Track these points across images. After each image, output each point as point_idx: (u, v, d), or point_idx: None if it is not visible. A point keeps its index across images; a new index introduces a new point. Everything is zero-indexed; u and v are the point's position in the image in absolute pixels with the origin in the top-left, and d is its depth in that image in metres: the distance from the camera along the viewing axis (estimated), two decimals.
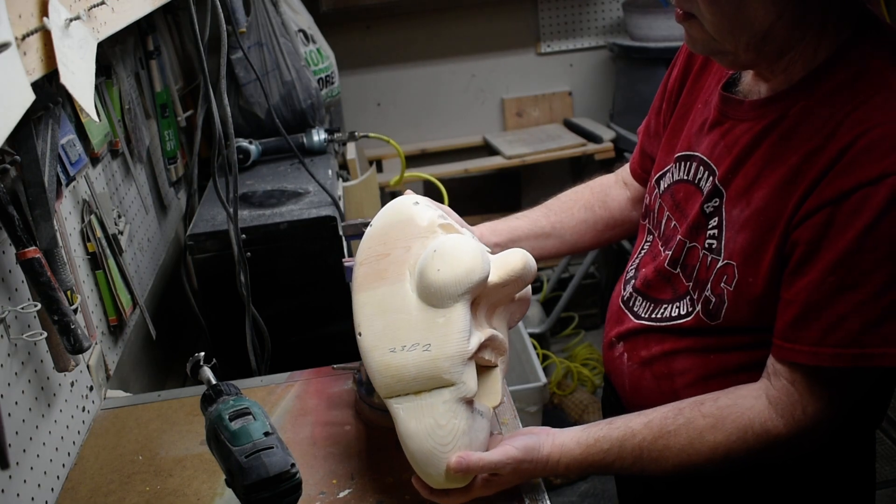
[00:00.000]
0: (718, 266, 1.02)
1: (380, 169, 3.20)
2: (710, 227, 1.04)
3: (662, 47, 2.89)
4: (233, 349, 1.58)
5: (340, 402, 1.29)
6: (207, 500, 1.10)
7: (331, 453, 1.17)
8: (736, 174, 1.01)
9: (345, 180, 2.12)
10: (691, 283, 1.08)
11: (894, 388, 1.11)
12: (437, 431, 0.97)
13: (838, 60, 0.93)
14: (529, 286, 1.11)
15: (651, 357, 1.14)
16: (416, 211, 1.08)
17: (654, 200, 1.19)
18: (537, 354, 2.56)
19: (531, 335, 2.73)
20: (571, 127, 3.35)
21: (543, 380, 2.42)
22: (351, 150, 2.49)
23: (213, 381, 1.05)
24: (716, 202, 1.03)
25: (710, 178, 1.05)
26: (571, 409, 2.88)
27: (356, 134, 2.14)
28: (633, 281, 1.21)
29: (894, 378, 1.08)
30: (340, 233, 1.60)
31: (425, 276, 0.99)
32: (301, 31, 2.26)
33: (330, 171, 1.90)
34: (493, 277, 1.01)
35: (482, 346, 1.02)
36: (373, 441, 1.18)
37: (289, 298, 1.65)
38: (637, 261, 1.23)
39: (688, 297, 1.09)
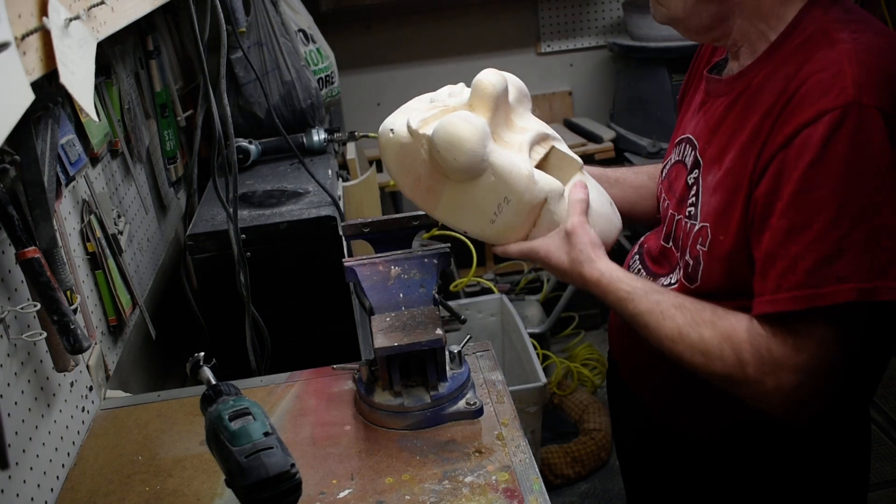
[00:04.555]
0: (696, 230, 1.07)
1: (380, 169, 3.20)
2: (690, 196, 1.10)
3: (662, 47, 2.89)
4: (233, 349, 1.58)
5: (340, 402, 1.29)
6: (207, 500, 1.10)
7: (331, 453, 1.16)
8: (710, 144, 1.08)
9: (345, 180, 2.11)
10: (679, 252, 1.13)
11: (886, 362, 1.13)
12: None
13: (793, 29, 1.00)
14: (519, 90, 1.23)
15: None
16: (395, 139, 1.17)
17: (659, 187, 1.26)
18: (537, 354, 2.56)
19: (531, 335, 2.72)
20: (571, 127, 3.35)
21: (543, 380, 2.42)
22: (351, 150, 2.49)
23: (213, 381, 1.05)
24: (696, 173, 1.10)
25: (693, 153, 1.12)
26: (571, 409, 2.87)
27: (356, 134, 2.14)
28: (638, 256, 1.28)
29: (886, 350, 1.09)
30: (340, 233, 1.60)
31: (447, 167, 1.11)
32: (301, 30, 2.26)
33: (330, 171, 1.90)
34: (487, 112, 1.14)
35: (531, 150, 1.17)
36: (373, 441, 1.18)
37: (289, 298, 1.64)
38: (641, 238, 1.31)
39: (678, 267, 1.13)
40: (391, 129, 1.17)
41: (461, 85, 1.23)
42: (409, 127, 1.15)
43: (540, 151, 1.21)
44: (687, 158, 1.14)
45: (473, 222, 1.18)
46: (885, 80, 0.90)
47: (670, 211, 1.17)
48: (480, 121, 1.11)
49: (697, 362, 1.02)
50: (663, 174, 1.24)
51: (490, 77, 1.14)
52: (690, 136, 1.15)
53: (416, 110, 1.18)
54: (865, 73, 0.90)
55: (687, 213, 1.10)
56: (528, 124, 1.21)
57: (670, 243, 1.17)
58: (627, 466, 1.47)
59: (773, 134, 0.95)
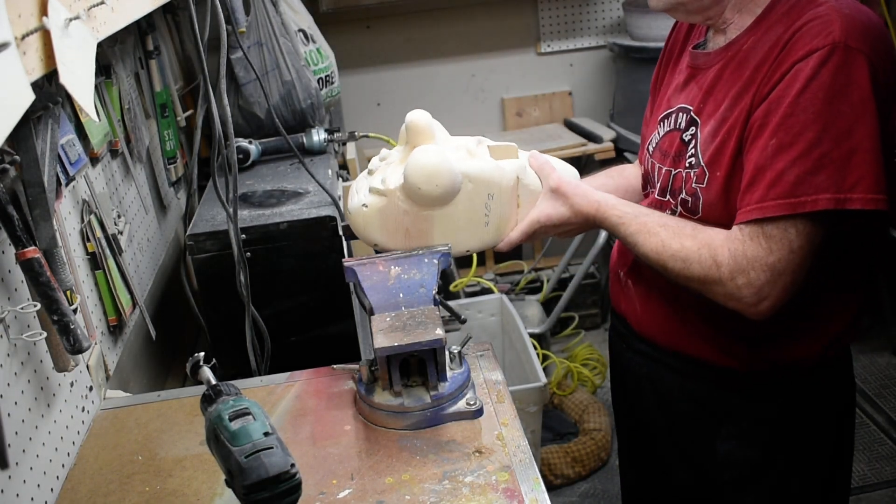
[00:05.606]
0: (694, 173, 1.20)
1: None
2: (689, 149, 1.21)
3: (662, 47, 2.89)
4: (233, 349, 1.58)
5: (340, 402, 1.29)
6: (207, 500, 1.10)
7: (331, 453, 1.17)
8: (706, 103, 1.20)
9: (345, 180, 2.11)
10: (673, 198, 1.25)
11: (864, 307, 1.23)
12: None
13: (777, 2, 1.14)
14: (434, 121, 1.33)
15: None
16: (372, 210, 1.27)
17: (647, 163, 1.35)
18: (537, 354, 2.56)
19: (531, 335, 2.72)
20: (571, 127, 3.35)
21: (543, 380, 2.42)
22: (351, 150, 2.49)
23: (213, 381, 1.05)
24: (693, 130, 1.22)
25: (686, 115, 1.24)
26: (571, 409, 2.87)
27: (356, 134, 2.14)
28: None
29: (863, 287, 1.23)
30: (340, 233, 1.60)
31: (432, 198, 1.23)
32: (301, 30, 2.26)
33: (330, 171, 1.90)
34: (430, 140, 1.26)
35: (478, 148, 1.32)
36: (373, 441, 1.18)
37: (289, 298, 1.65)
38: None
39: (675, 205, 1.24)
40: (363, 206, 1.26)
41: (383, 150, 1.36)
42: (376, 190, 1.25)
43: (482, 151, 1.33)
44: (681, 124, 1.25)
45: (471, 234, 1.29)
46: (865, 31, 1.06)
47: (665, 169, 1.27)
48: (435, 146, 1.25)
49: (678, 268, 1.15)
50: (651, 151, 1.33)
51: (418, 113, 1.28)
52: (682, 105, 1.26)
53: (367, 183, 1.29)
54: (850, 24, 1.05)
55: (687, 165, 1.21)
56: (458, 140, 1.33)
57: (668, 197, 1.26)
58: (618, 394, 1.55)
59: (770, 75, 1.08)
